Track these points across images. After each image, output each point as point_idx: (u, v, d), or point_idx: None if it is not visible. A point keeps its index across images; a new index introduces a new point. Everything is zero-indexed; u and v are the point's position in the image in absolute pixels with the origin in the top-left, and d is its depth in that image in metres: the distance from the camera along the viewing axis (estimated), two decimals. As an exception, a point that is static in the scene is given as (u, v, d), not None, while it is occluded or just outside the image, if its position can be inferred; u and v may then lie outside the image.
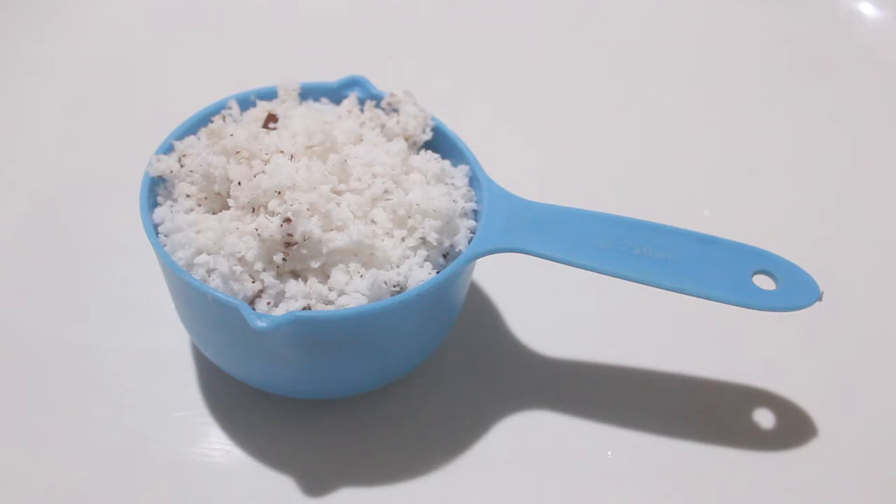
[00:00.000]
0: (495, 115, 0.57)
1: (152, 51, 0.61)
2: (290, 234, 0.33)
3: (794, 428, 0.41)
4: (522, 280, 0.45)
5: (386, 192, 0.36)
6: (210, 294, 0.33)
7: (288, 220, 0.33)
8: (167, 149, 0.38)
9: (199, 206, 0.36)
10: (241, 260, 0.34)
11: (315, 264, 0.34)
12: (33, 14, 0.62)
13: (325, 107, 0.41)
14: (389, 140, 0.40)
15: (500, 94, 0.59)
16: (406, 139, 0.40)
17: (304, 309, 0.33)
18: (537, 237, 0.37)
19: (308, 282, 0.34)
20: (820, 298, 0.36)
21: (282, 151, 0.36)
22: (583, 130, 0.57)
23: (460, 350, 0.43)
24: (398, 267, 0.35)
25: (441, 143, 0.40)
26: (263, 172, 0.35)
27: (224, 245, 0.34)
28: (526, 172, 0.51)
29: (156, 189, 0.37)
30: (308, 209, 0.34)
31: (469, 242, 0.37)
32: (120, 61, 0.59)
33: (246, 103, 0.41)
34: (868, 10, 0.67)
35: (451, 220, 0.36)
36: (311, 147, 0.36)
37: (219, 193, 0.36)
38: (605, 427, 0.40)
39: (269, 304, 0.34)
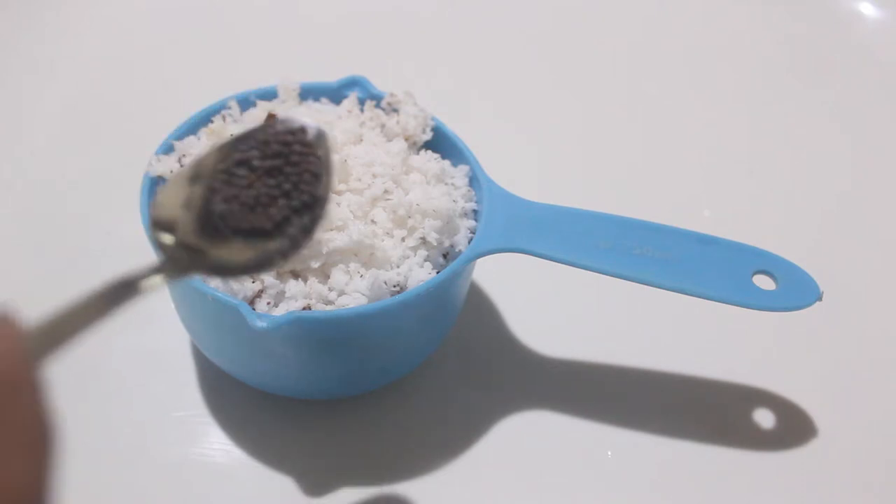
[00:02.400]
0: (495, 115, 0.57)
1: (152, 51, 0.61)
2: (290, 234, 0.33)
3: (794, 428, 0.41)
4: (522, 280, 0.45)
5: (386, 192, 0.36)
6: (210, 294, 0.33)
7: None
8: (167, 149, 0.38)
9: (199, 206, 0.36)
10: (241, 260, 0.34)
11: (315, 264, 0.34)
12: (33, 14, 0.62)
13: (325, 107, 0.41)
14: (389, 140, 0.40)
15: (500, 94, 0.59)
16: (406, 139, 0.40)
17: (304, 309, 0.33)
18: (537, 237, 0.37)
19: (308, 282, 0.34)
20: (820, 298, 0.36)
21: (282, 151, 0.36)
22: (583, 130, 0.57)
23: (460, 350, 0.43)
24: (398, 267, 0.35)
25: (441, 143, 0.40)
26: (263, 172, 0.35)
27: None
28: (526, 172, 0.51)
29: (156, 189, 0.37)
30: (308, 209, 0.34)
31: (469, 242, 0.37)
32: (120, 61, 0.59)
33: (246, 103, 0.41)
34: (868, 10, 0.67)
35: (451, 220, 0.36)
36: (311, 147, 0.36)
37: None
38: (605, 427, 0.40)
39: (269, 304, 0.34)
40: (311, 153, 0.27)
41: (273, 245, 0.26)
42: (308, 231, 0.26)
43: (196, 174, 0.27)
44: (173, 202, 0.26)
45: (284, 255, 0.26)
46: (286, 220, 0.26)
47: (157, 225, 0.25)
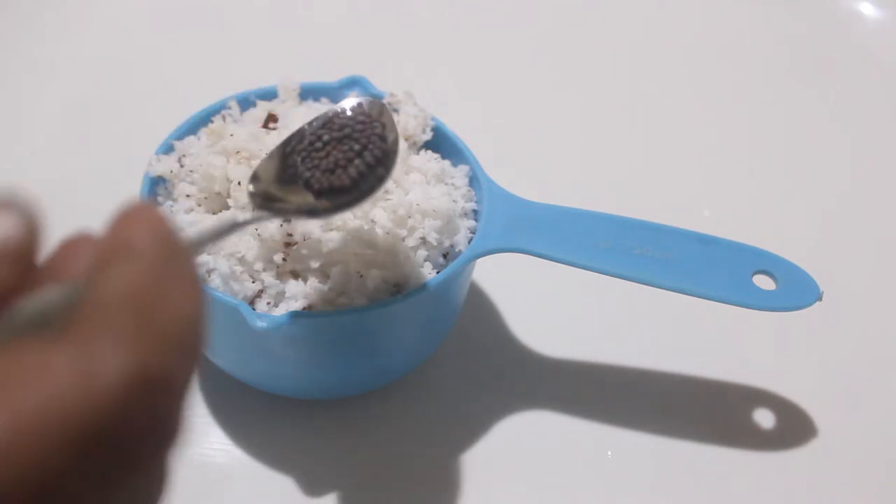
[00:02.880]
0: (495, 115, 0.57)
1: (152, 51, 0.61)
2: (290, 234, 0.33)
3: (794, 428, 0.41)
4: (522, 280, 0.45)
5: (386, 192, 0.36)
6: (210, 294, 0.33)
7: (288, 220, 0.33)
8: (167, 149, 0.38)
9: (199, 206, 0.36)
10: (241, 260, 0.34)
11: (315, 264, 0.34)
12: (33, 14, 0.62)
13: (325, 107, 0.41)
14: (389, 140, 0.39)
15: (500, 95, 0.59)
16: (406, 139, 0.40)
17: (304, 309, 0.33)
18: (537, 237, 0.37)
19: (308, 282, 0.34)
20: (820, 298, 0.36)
21: (282, 151, 0.36)
22: (583, 130, 0.57)
23: (460, 350, 0.43)
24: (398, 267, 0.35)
25: (441, 143, 0.40)
26: (263, 172, 0.35)
27: (224, 245, 0.34)
28: (526, 172, 0.51)
29: (156, 189, 0.37)
30: (308, 209, 0.34)
31: (469, 242, 0.37)
32: (120, 61, 0.59)
33: (246, 103, 0.41)
34: (868, 10, 0.67)
35: (451, 220, 0.36)
36: (311, 147, 0.36)
37: (219, 193, 0.36)
38: (605, 427, 0.40)
39: (269, 304, 0.34)
40: (375, 120, 0.31)
41: (351, 196, 0.30)
42: (382, 179, 0.30)
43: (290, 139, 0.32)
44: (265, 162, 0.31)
45: (360, 200, 0.30)
46: (361, 176, 0.30)
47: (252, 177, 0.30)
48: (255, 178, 0.30)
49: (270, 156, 0.31)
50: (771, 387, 0.42)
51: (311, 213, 0.30)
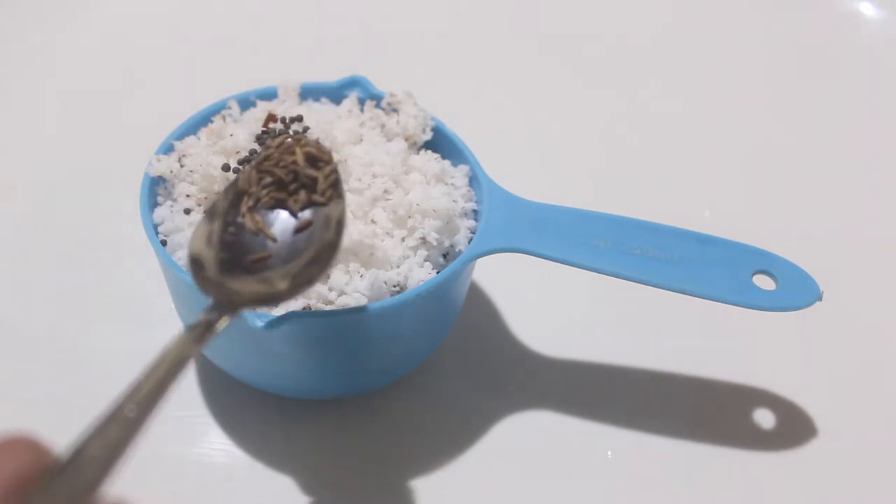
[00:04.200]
0: (495, 115, 0.57)
1: (152, 51, 0.61)
2: (290, 234, 0.33)
3: (794, 428, 0.41)
4: (522, 280, 0.45)
5: (386, 192, 0.36)
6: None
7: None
8: (167, 149, 0.38)
9: (199, 206, 0.36)
10: (241, 260, 0.34)
11: (315, 264, 0.34)
12: (33, 13, 0.62)
13: (325, 107, 0.41)
14: (389, 140, 0.40)
15: (500, 94, 0.59)
16: (406, 139, 0.40)
17: (303, 309, 0.33)
18: (537, 237, 0.37)
19: (308, 282, 0.34)
20: (820, 298, 0.36)
21: (282, 151, 0.36)
22: (583, 130, 0.57)
23: (460, 350, 0.43)
24: (398, 267, 0.35)
25: (441, 143, 0.40)
26: (263, 172, 0.35)
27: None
28: (526, 172, 0.51)
29: (156, 189, 0.37)
30: (308, 209, 0.34)
31: (469, 242, 0.37)
32: (120, 61, 0.60)
33: (246, 103, 0.41)
34: (868, 10, 0.67)
35: (451, 220, 0.36)
36: (311, 147, 0.36)
37: (218, 193, 0.36)
38: (605, 427, 0.40)
39: (269, 304, 0.33)
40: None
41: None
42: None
43: (212, 212, 0.29)
44: (200, 240, 0.28)
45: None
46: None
47: (193, 262, 0.27)
48: (196, 263, 0.27)
49: (205, 217, 0.29)
50: (771, 387, 0.42)
51: (270, 299, 0.27)
